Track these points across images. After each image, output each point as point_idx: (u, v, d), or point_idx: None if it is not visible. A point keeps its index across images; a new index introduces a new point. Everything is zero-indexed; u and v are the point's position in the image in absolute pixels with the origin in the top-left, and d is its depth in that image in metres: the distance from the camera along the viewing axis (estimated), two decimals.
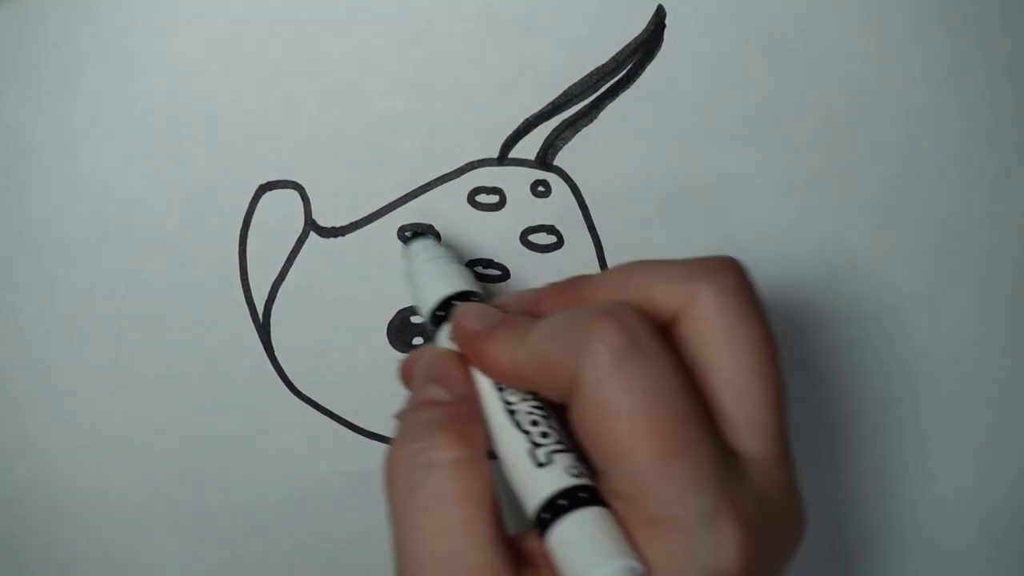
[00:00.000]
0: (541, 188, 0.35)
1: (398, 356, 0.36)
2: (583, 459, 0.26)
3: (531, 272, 0.36)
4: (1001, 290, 0.37)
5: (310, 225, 0.35)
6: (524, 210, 0.35)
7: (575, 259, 0.36)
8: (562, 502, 0.25)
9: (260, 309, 0.36)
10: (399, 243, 0.35)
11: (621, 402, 0.25)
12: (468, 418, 0.28)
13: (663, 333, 0.26)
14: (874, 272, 0.37)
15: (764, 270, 0.36)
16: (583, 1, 0.34)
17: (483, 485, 0.26)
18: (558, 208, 0.35)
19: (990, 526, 0.40)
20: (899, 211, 0.36)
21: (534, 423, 0.27)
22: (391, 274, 0.36)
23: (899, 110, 0.35)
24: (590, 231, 0.36)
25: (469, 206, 0.35)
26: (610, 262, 0.36)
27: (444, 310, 0.31)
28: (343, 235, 0.35)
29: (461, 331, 0.29)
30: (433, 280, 0.32)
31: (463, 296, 0.31)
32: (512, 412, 0.27)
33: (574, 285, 0.29)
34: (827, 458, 0.39)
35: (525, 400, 0.28)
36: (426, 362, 0.30)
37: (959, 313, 0.37)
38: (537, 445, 0.26)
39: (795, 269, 0.36)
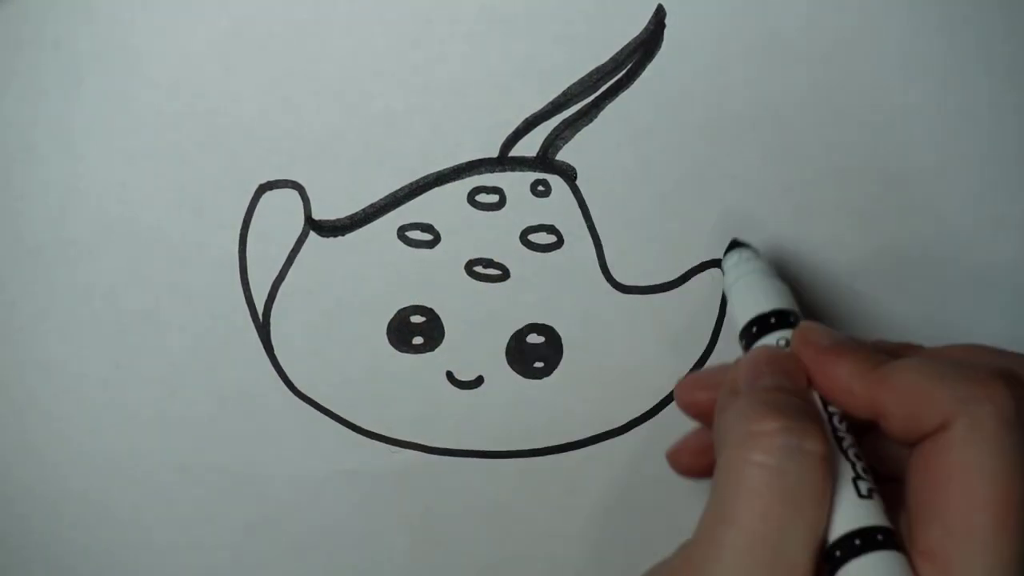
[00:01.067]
0: (541, 188, 0.35)
1: (398, 356, 0.36)
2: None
3: (531, 272, 0.36)
4: (1001, 290, 0.37)
5: (310, 225, 0.35)
6: (524, 210, 0.35)
7: (575, 259, 0.36)
8: (879, 537, 0.25)
9: (260, 309, 0.36)
10: (399, 242, 0.35)
11: (991, 464, 0.24)
12: (819, 415, 0.28)
13: None
14: (874, 272, 0.37)
15: None
16: (583, 1, 0.34)
17: (831, 489, 0.26)
18: (558, 208, 0.35)
19: None
20: (899, 211, 0.36)
21: (858, 456, 0.27)
22: (391, 274, 0.36)
23: (899, 110, 0.35)
24: (590, 231, 0.36)
25: (469, 206, 0.35)
26: (610, 262, 0.36)
27: (757, 327, 0.30)
28: (343, 235, 0.35)
29: (806, 342, 0.29)
30: (762, 293, 0.31)
31: (781, 314, 0.30)
32: (839, 437, 0.27)
33: (905, 345, 0.30)
34: None
35: (849, 432, 0.28)
36: (769, 353, 0.29)
37: (959, 313, 0.37)
38: (860, 477, 0.26)
39: (795, 269, 0.36)
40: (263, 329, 0.36)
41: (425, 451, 0.37)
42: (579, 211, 0.35)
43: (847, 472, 0.26)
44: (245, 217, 0.35)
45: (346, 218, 0.35)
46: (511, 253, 0.36)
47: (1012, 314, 0.37)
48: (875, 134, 0.35)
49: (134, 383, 0.36)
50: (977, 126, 0.36)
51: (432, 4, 0.33)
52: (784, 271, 0.36)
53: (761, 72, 0.35)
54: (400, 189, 0.35)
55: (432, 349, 0.36)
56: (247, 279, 0.35)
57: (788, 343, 0.30)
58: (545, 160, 0.35)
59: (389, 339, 0.36)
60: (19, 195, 0.35)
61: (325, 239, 0.35)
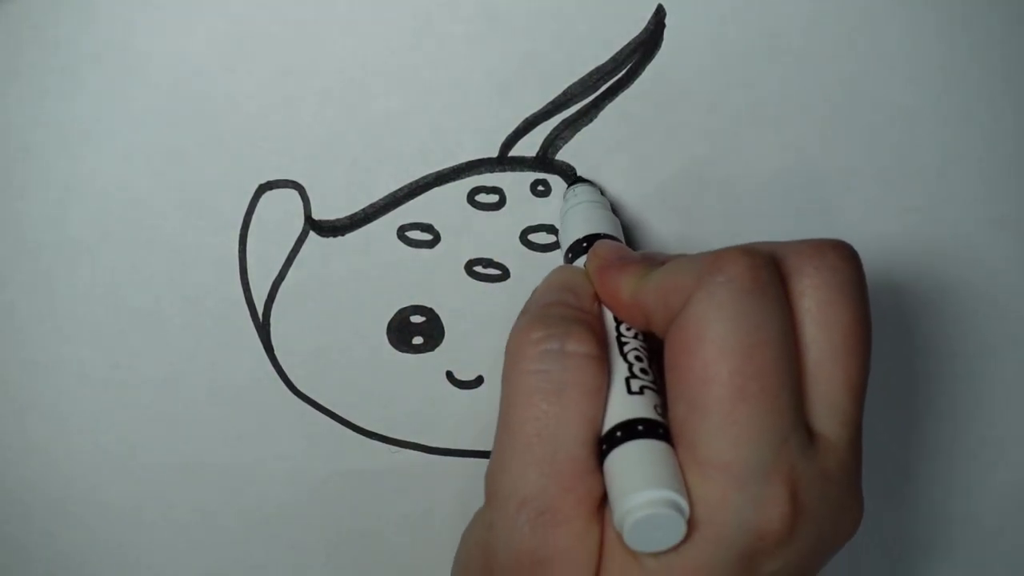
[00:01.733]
0: (541, 188, 0.35)
1: (398, 356, 0.36)
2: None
3: (531, 272, 0.36)
4: (1001, 290, 0.37)
5: (310, 224, 0.35)
6: (524, 210, 0.35)
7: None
8: (639, 427, 0.26)
9: (260, 309, 0.36)
10: (399, 242, 0.35)
11: (721, 330, 0.24)
12: (599, 324, 0.28)
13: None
14: (874, 272, 0.37)
15: None
16: (583, 1, 0.34)
17: (604, 385, 0.27)
18: (558, 208, 0.35)
19: (989, 526, 0.40)
20: (898, 211, 0.36)
21: (638, 358, 0.28)
22: (391, 273, 0.36)
23: (899, 110, 0.35)
24: None
25: (469, 206, 0.35)
26: None
27: (588, 242, 0.32)
28: (343, 234, 0.35)
29: (595, 258, 0.30)
30: (584, 219, 0.33)
31: (608, 238, 0.32)
32: (622, 343, 0.28)
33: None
34: None
35: (636, 338, 0.28)
36: (560, 274, 0.30)
37: (959, 313, 0.37)
38: (634, 376, 0.27)
39: None
40: (263, 329, 0.36)
41: (425, 451, 0.37)
42: None
43: (621, 372, 0.27)
44: (245, 217, 0.35)
45: (346, 218, 0.35)
46: (511, 253, 0.36)
47: (1012, 314, 0.37)
48: (875, 134, 0.35)
49: (134, 383, 0.36)
50: (977, 126, 0.36)
51: (432, 4, 0.33)
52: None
53: (761, 72, 0.35)
54: (400, 189, 0.35)
55: (432, 349, 0.36)
56: (247, 279, 0.35)
57: None
58: (545, 160, 0.35)
59: (389, 339, 0.36)
60: (19, 195, 0.35)
61: (325, 239, 0.35)
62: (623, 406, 0.26)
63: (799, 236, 0.36)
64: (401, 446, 0.37)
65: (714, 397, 0.24)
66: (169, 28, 0.33)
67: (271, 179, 0.35)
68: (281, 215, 0.35)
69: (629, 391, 0.27)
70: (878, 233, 0.36)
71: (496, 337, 0.36)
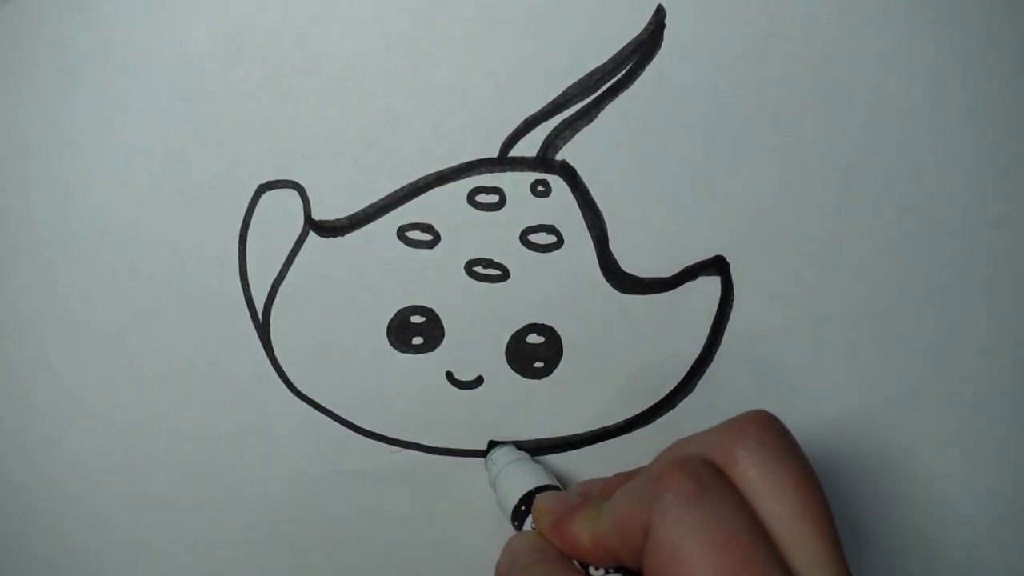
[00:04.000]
0: (541, 188, 0.35)
1: (398, 356, 0.36)
2: None
3: (531, 272, 0.36)
4: (1001, 290, 0.37)
5: (310, 225, 0.35)
6: (524, 210, 0.35)
7: (575, 259, 0.36)
8: None
9: (260, 309, 0.36)
10: (399, 242, 0.35)
11: (691, 542, 0.25)
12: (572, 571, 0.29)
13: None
14: (874, 272, 0.37)
15: (764, 271, 0.36)
16: (583, 1, 0.34)
17: None
18: (558, 208, 0.35)
19: (990, 526, 0.40)
20: (899, 211, 0.36)
21: None
22: (391, 274, 0.36)
23: (899, 110, 0.35)
24: (590, 231, 0.36)
25: (469, 206, 0.35)
26: (609, 262, 0.36)
27: (526, 504, 0.33)
28: (343, 235, 0.35)
29: (542, 516, 0.31)
30: (517, 479, 0.34)
31: (542, 490, 0.33)
32: None
33: (637, 470, 0.31)
34: (827, 458, 0.39)
35: (609, 572, 0.29)
36: (518, 541, 0.31)
37: (959, 313, 0.37)
38: None
39: (795, 269, 0.36)
40: (263, 329, 0.36)
41: (425, 451, 0.37)
42: (579, 211, 0.35)
43: None
44: (245, 217, 0.35)
45: (346, 218, 0.35)
46: (511, 253, 0.36)
47: (1012, 314, 0.37)
48: (875, 134, 0.35)
49: (134, 383, 0.36)
50: (976, 126, 0.36)
51: (432, 4, 0.33)
52: (783, 271, 0.36)
53: (761, 72, 0.35)
54: (400, 189, 0.35)
55: (432, 349, 0.36)
56: (247, 279, 0.35)
57: None
58: (545, 160, 0.35)
59: (389, 339, 0.36)
60: (19, 195, 0.35)
61: (325, 239, 0.35)
62: None
63: (799, 235, 0.36)
64: (401, 446, 0.37)
65: None
66: (169, 28, 0.33)
67: (271, 179, 0.35)
68: (281, 215, 0.35)
69: None
70: (879, 233, 0.36)
71: (496, 337, 0.36)
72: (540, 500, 0.32)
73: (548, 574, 0.29)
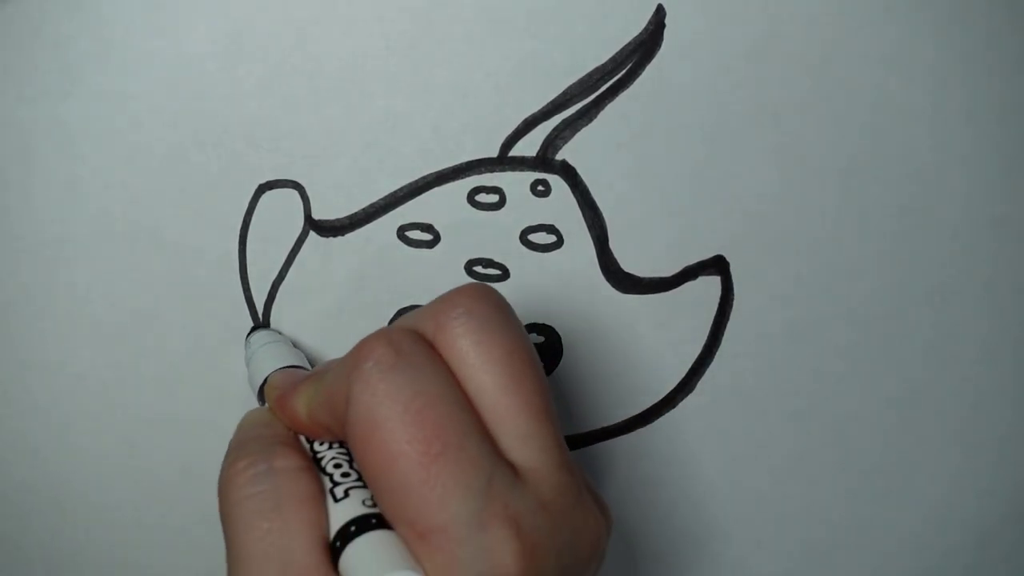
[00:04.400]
0: (541, 188, 0.35)
1: None
2: None
3: (531, 272, 0.36)
4: (1001, 290, 0.37)
5: (310, 224, 0.35)
6: (524, 210, 0.35)
7: (575, 259, 0.36)
8: (352, 528, 0.26)
9: (260, 309, 0.36)
10: (399, 242, 0.35)
11: (387, 409, 0.25)
12: (298, 444, 0.29)
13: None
14: (874, 272, 0.37)
15: (764, 270, 0.36)
16: (583, 1, 0.34)
17: (320, 492, 0.27)
18: (558, 208, 0.35)
19: (990, 526, 0.40)
20: (898, 211, 0.36)
21: (337, 466, 0.28)
22: (391, 274, 0.36)
23: (899, 110, 0.35)
24: (590, 231, 0.36)
25: (469, 205, 0.35)
26: (609, 262, 0.36)
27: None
28: (343, 234, 0.35)
29: (271, 390, 0.30)
30: (264, 360, 0.33)
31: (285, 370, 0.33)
32: (319, 459, 0.28)
33: None
34: (827, 458, 0.39)
35: (331, 447, 0.28)
36: (248, 416, 0.31)
37: (959, 313, 0.37)
38: (336, 483, 0.27)
39: (795, 269, 0.36)
40: (263, 329, 0.36)
41: None
42: (579, 211, 0.35)
43: (326, 485, 0.27)
44: (245, 217, 0.35)
45: (346, 218, 0.35)
46: (511, 253, 0.36)
47: (1012, 314, 0.37)
48: (875, 134, 0.35)
49: (134, 383, 0.36)
50: (976, 126, 0.36)
51: (432, 4, 0.33)
52: (784, 271, 0.36)
53: (761, 72, 0.35)
54: (400, 189, 0.35)
55: None
56: (247, 279, 0.35)
57: None
58: (545, 160, 0.35)
59: None
60: (19, 195, 0.35)
61: (325, 239, 0.35)
62: (336, 515, 0.27)
63: (799, 235, 0.36)
64: None
65: (404, 471, 0.24)
66: (169, 28, 0.33)
67: (271, 179, 0.35)
68: (281, 215, 0.35)
69: (335, 500, 0.27)
70: (878, 233, 0.36)
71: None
72: (273, 376, 0.31)
73: (255, 448, 0.28)
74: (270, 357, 0.33)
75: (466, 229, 0.35)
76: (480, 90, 0.34)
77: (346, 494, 0.27)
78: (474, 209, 0.35)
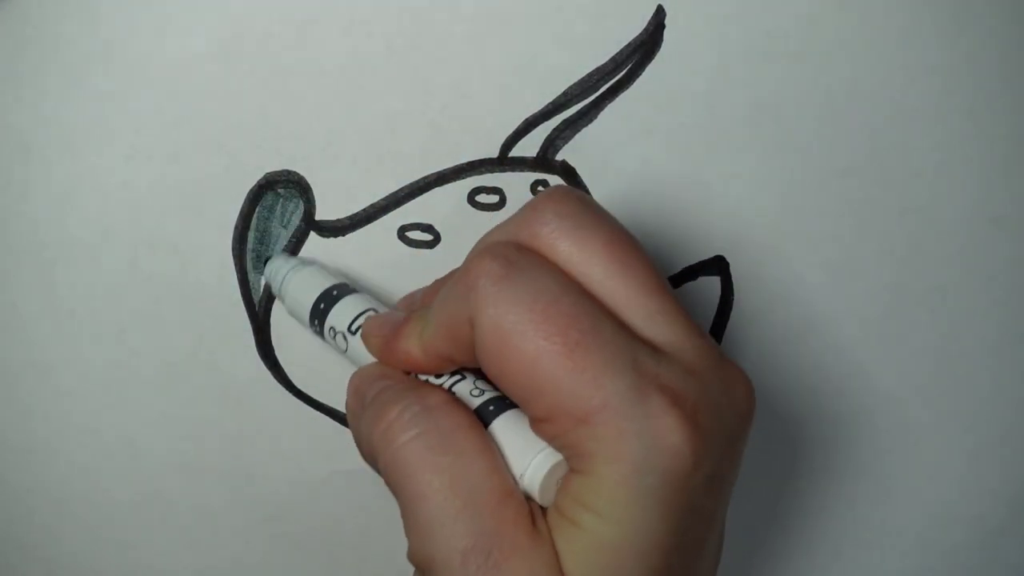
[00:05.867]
0: (541, 188, 0.35)
1: None
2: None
3: None
4: (1001, 290, 0.37)
5: (310, 224, 0.35)
6: None
7: None
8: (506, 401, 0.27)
9: (260, 309, 0.36)
10: (399, 242, 0.35)
11: (514, 316, 0.25)
12: (424, 382, 0.29)
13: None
14: (873, 272, 0.37)
15: (763, 270, 0.36)
16: (583, 1, 0.34)
17: (478, 423, 0.27)
18: None
19: (989, 526, 0.40)
20: (898, 210, 0.36)
21: (465, 379, 0.29)
22: (391, 274, 0.36)
23: (898, 110, 0.35)
24: None
25: (469, 206, 0.35)
26: None
27: (324, 302, 0.32)
28: (343, 234, 0.35)
29: (372, 339, 0.30)
30: (306, 287, 0.33)
31: (338, 289, 0.33)
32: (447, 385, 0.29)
33: (450, 273, 0.31)
34: (827, 458, 0.39)
35: (452, 376, 0.29)
36: (360, 374, 0.31)
37: (959, 313, 0.37)
38: (475, 389, 0.28)
39: (794, 269, 0.36)
40: (263, 329, 0.36)
41: None
42: None
43: (467, 393, 0.28)
44: (245, 217, 0.35)
45: (346, 218, 0.35)
46: None
47: (1012, 314, 0.38)
48: (875, 134, 0.35)
49: (134, 383, 0.36)
50: (976, 126, 0.36)
51: (432, 4, 0.33)
52: (783, 271, 0.36)
53: (761, 72, 0.35)
54: (400, 189, 0.35)
55: None
56: (247, 279, 0.36)
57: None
58: (545, 160, 0.35)
59: None
60: (19, 195, 0.35)
61: (325, 239, 0.35)
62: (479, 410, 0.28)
63: (799, 235, 0.36)
64: None
65: (550, 366, 0.25)
66: (169, 28, 0.33)
67: (271, 179, 0.35)
68: (281, 215, 0.35)
69: (473, 395, 0.28)
70: (878, 233, 0.36)
71: None
72: (366, 325, 0.31)
73: (398, 395, 0.28)
74: (313, 282, 0.33)
75: (466, 229, 0.35)
76: (480, 90, 0.34)
77: (482, 393, 0.28)
78: (474, 209, 0.35)
